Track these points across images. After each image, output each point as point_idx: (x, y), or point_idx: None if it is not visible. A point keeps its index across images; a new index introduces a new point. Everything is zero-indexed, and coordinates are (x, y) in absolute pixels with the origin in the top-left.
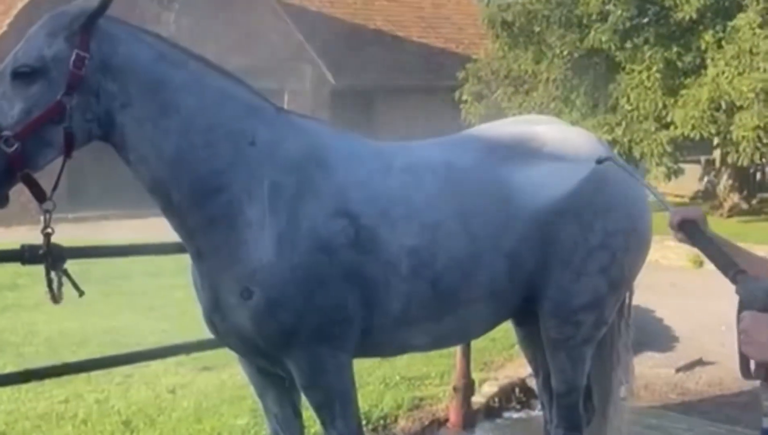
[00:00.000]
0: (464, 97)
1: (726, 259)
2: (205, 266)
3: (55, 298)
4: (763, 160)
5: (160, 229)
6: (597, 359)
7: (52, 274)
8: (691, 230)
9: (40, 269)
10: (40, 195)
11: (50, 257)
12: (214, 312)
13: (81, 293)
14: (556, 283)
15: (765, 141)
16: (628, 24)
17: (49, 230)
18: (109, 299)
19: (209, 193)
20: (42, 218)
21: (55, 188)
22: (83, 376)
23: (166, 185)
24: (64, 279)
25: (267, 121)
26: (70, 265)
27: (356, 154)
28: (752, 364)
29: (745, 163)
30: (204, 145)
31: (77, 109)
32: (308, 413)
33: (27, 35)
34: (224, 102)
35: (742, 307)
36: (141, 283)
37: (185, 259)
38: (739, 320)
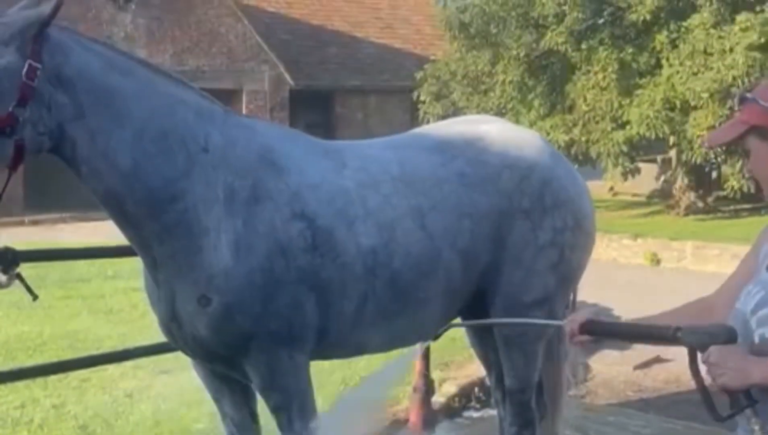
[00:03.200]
0: (423, 98)
1: (653, 327)
2: (162, 275)
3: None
4: (718, 158)
5: (117, 232)
6: (546, 355)
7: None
8: (596, 328)
9: None
10: None
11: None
12: (172, 321)
13: (35, 298)
14: (507, 280)
15: None
16: (583, 25)
17: None
18: (66, 302)
19: (164, 202)
20: None
21: None
22: (40, 380)
23: (121, 196)
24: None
25: (217, 125)
26: (27, 268)
27: (308, 154)
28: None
29: (700, 161)
30: (158, 153)
31: (29, 122)
32: (266, 415)
33: None
34: (175, 108)
35: (694, 353)
36: (99, 286)
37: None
38: (702, 362)
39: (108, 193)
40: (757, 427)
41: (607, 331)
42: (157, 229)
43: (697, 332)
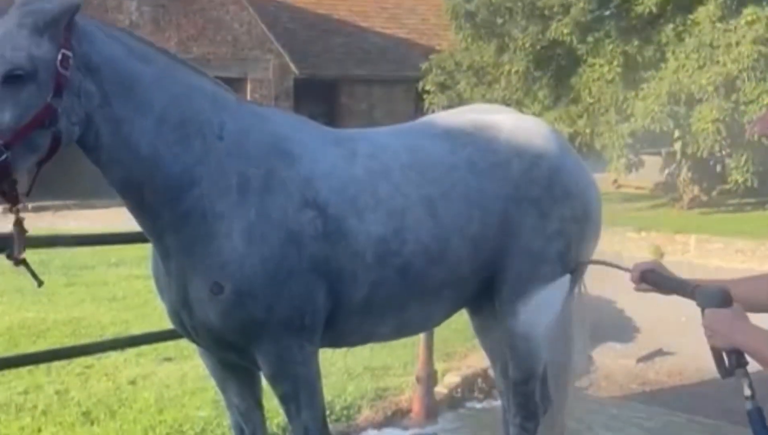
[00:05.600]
0: (427, 88)
1: (685, 283)
2: (174, 264)
3: (17, 260)
4: (723, 152)
5: (121, 218)
6: (551, 347)
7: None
8: (654, 278)
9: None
10: (13, 199)
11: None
12: (182, 309)
13: (40, 283)
14: (514, 269)
15: (724, 133)
16: (589, 17)
17: (22, 216)
18: (69, 289)
19: (181, 189)
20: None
21: (29, 193)
22: (43, 367)
23: (140, 184)
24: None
25: (232, 113)
26: (30, 254)
27: (320, 142)
28: (726, 359)
29: (705, 154)
30: (177, 141)
31: (64, 112)
32: (270, 404)
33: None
34: (192, 95)
35: (703, 311)
36: (102, 273)
37: (147, 249)
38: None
39: (127, 180)
40: (749, 392)
41: (661, 282)
42: (173, 217)
43: (702, 293)
